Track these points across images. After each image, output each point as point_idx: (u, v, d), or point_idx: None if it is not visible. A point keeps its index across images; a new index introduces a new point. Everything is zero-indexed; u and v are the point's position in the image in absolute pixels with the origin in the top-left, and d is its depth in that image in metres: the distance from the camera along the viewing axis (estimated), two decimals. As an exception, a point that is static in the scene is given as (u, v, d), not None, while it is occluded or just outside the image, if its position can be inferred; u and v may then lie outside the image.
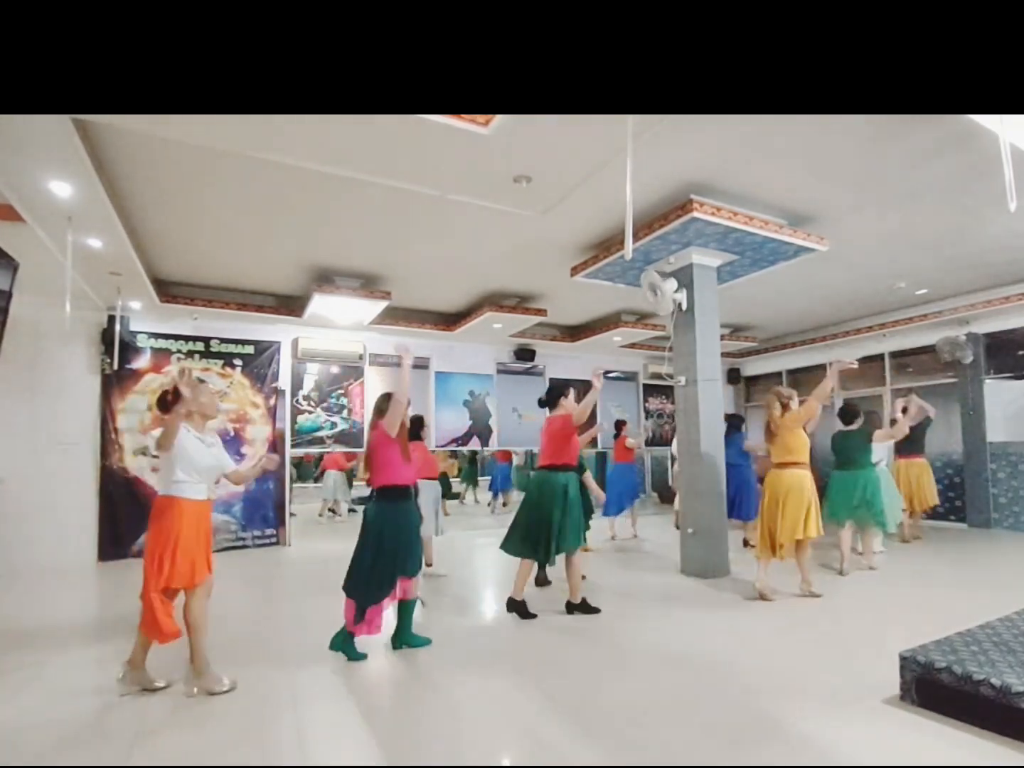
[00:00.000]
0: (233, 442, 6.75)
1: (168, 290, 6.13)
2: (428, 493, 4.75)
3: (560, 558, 3.88)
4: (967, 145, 3.56)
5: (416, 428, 4.98)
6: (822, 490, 4.58)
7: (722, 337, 8.20)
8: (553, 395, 4.18)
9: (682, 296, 5.00)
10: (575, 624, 3.67)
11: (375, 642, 3.39)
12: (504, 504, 10.62)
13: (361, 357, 7.72)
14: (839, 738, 2.15)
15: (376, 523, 3.12)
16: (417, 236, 5.00)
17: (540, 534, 3.77)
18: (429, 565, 5.07)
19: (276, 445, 7.02)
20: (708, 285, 5.12)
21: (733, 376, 10.77)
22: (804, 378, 9.84)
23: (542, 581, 4.69)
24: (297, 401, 7.27)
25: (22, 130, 2.80)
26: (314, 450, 7.76)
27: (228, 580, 5.26)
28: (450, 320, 7.69)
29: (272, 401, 7.05)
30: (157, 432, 2.77)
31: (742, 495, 6.09)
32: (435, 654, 3.18)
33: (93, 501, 6.07)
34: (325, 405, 7.46)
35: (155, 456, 2.85)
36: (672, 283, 4.96)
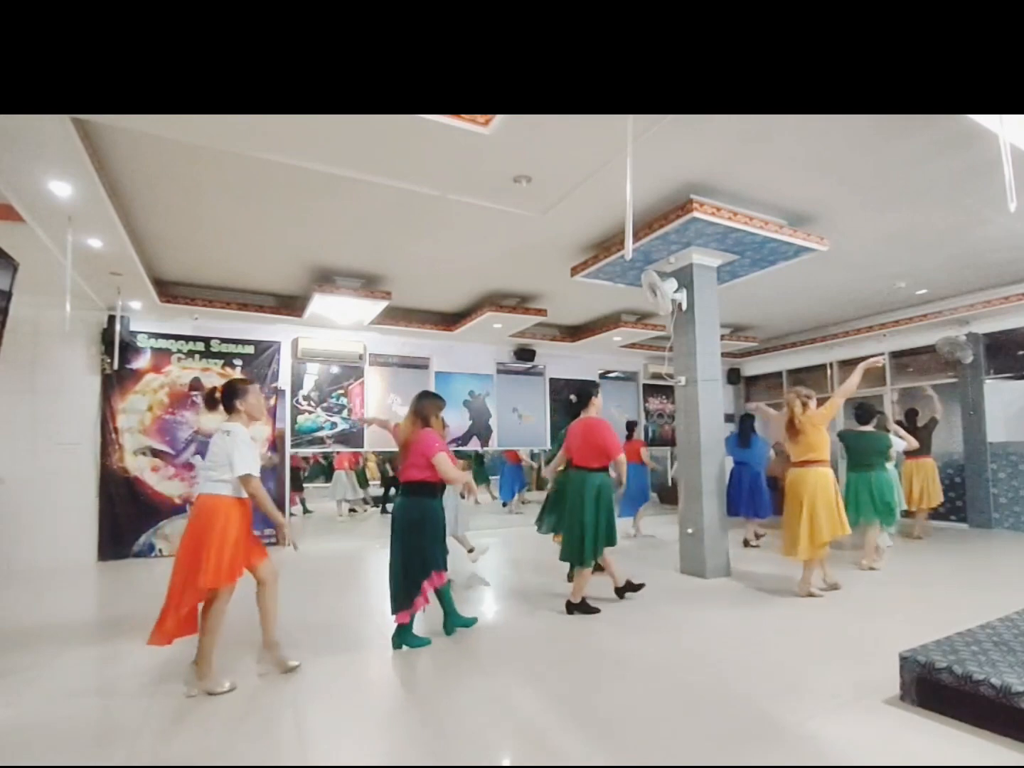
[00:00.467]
0: (233, 442, 6.76)
1: (168, 290, 6.13)
2: (450, 491, 4.81)
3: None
4: (967, 145, 3.56)
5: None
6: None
7: (722, 337, 8.20)
8: (584, 396, 4.18)
9: (682, 296, 5.00)
10: (575, 624, 3.67)
11: (375, 642, 3.39)
12: (522, 503, 10.64)
13: (361, 357, 7.72)
14: (839, 738, 2.15)
15: (408, 516, 3.23)
16: (417, 236, 5.00)
17: (573, 536, 3.85)
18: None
19: (276, 445, 7.02)
20: (708, 285, 5.12)
21: (733, 376, 10.77)
22: (804, 378, 9.84)
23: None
24: (297, 401, 7.27)
25: (22, 130, 2.80)
26: (314, 450, 7.76)
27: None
28: (450, 320, 7.69)
29: (272, 401, 7.05)
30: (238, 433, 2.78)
31: (757, 494, 6.23)
32: (435, 654, 3.18)
33: (93, 501, 6.07)
34: (325, 405, 7.46)
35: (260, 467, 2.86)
36: (672, 283, 4.96)
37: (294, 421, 7.22)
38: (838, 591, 4.30)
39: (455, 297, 7.07)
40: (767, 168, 3.91)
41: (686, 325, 5.05)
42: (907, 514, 6.23)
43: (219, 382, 6.70)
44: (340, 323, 7.05)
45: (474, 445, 8.68)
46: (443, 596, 3.41)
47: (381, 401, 7.88)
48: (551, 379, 9.27)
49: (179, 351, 6.61)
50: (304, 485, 11.02)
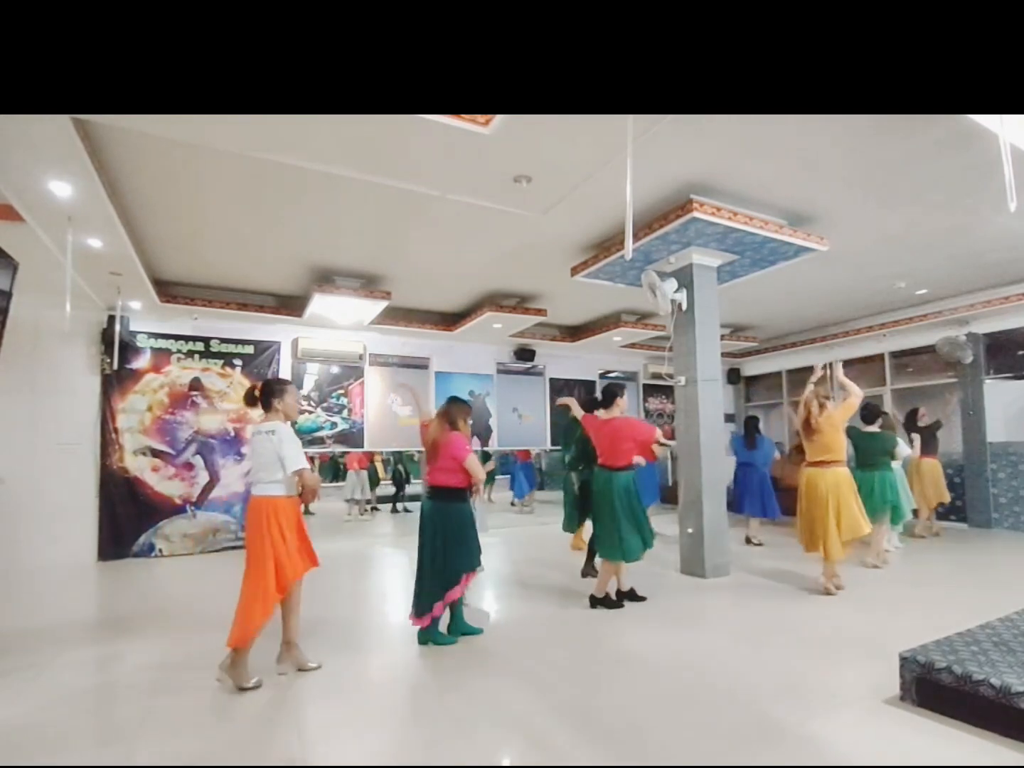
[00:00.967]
0: (233, 442, 6.76)
1: (168, 290, 6.13)
2: None
3: None
4: (967, 145, 3.55)
5: None
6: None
7: (722, 337, 8.20)
8: (608, 395, 4.25)
9: (682, 296, 5.00)
10: (574, 624, 3.67)
11: (374, 641, 3.39)
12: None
13: (361, 357, 7.72)
14: (839, 738, 2.15)
15: (436, 520, 3.32)
16: (417, 236, 5.00)
17: (609, 533, 3.94)
18: None
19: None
20: (708, 285, 5.12)
21: (733, 376, 10.77)
22: (804, 378, 9.82)
23: (592, 574, 4.80)
24: (297, 401, 7.27)
25: (22, 130, 2.80)
26: (314, 450, 7.76)
27: (227, 581, 5.28)
28: (450, 320, 7.69)
29: (272, 401, 7.04)
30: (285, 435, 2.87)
31: (767, 494, 6.37)
32: (435, 654, 3.18)
33: (93, 501, 6.07)
34: (325, 405, 7.46)
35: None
36: (672, 283, 4.96)
37: (294, 421, 7.22)
38: (840, 590, 4.30)
39: (455, 297, 7.06)
40: (767, 168, 3.91)
41: (686, 325, 5.05)
42: (913, 514, 6.26)
43: (219, 382, 6.74)
44: (340, 323, 7.05)
45: (474, 445, 8.68)
46: (454, 601, 3.41)
47: (381, 401, 7.88)
48: (551, 379, 9.27)
49: (179, 351, 6.61)
50: None
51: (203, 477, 6.56)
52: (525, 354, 8.83)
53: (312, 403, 7.41)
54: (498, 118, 2.99)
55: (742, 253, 5.08)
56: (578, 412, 4.61)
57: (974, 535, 6.91)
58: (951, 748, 2.08)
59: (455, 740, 2.21)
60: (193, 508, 6.46)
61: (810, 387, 4.39)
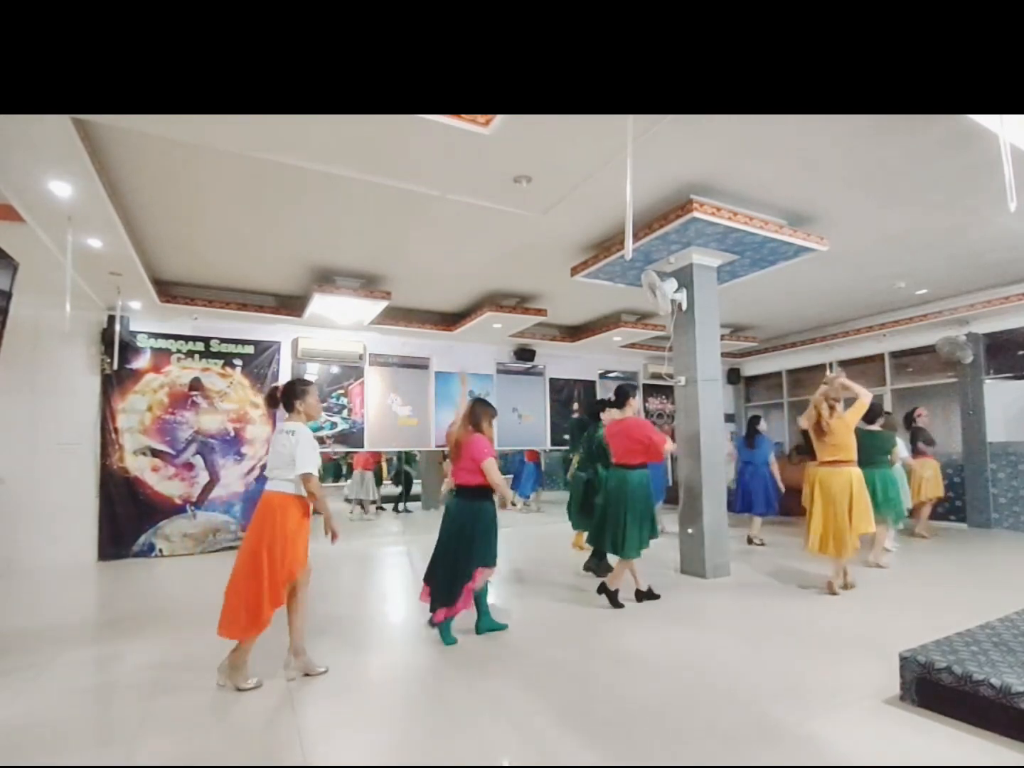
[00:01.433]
0: (233, 442, 6.76)
1: (168, 290, 6.13)
2: None
3: None
4: (967, 145, 3.56)
5: None
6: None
7: (722, 337, 8.20)
8: (621, 396, 4.35)
9: (682, 296, 5.00)
10: (574, 624, 3.67)
11: (375, 641, 3.39)
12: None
13: (361, 357, 7.72)
14: (839, 738, 2.15)
15: (461, 517, 3.39)
16: (417, 236, 5.00)
17: (617, 529, 4.04)
18: None
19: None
20: (708, 285, 5.12)
21: (733, 376, 10.77)
22: (804, 378, 9.85)
23: (593, 569, 4.89)
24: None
25: (22, 130, 2.80)
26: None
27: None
28: (450, 320, 7.69)
29: (272, 401, 7.05)
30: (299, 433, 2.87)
31: (768, 493, 6.48)
32: (434, 654, 3.18)
33: (93, 501, 6.07)
34: (325, 405, 7.46)
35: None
36: (672, 283, 4.96)
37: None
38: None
39: (455, 297, 7.07)
40: (767, 168, 3.91)
41: (686, 325, 5.05)
42: (911, 513, 6.29)
43: (219, 382, 6.75)
44: (340, 323, 7.05)
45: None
46: (479, 597, 3.49)
47: (381, 401, 7.88)
48: (551, 379, 9.28)
49: (179, 351, 6.61)
50: None
51: (203, 477, 6.57)
52: (525, 354, 8.83)
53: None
54: (498, 118, 2.99)
55: (742, 253, 5.08)
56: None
57: (974, 535, 6.91)
58: (951, 748, 2.08)
59: (455, 740, 2.21)
60: (193, 508, 6.46)
61: (822, 388, 4.45)
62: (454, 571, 3.30)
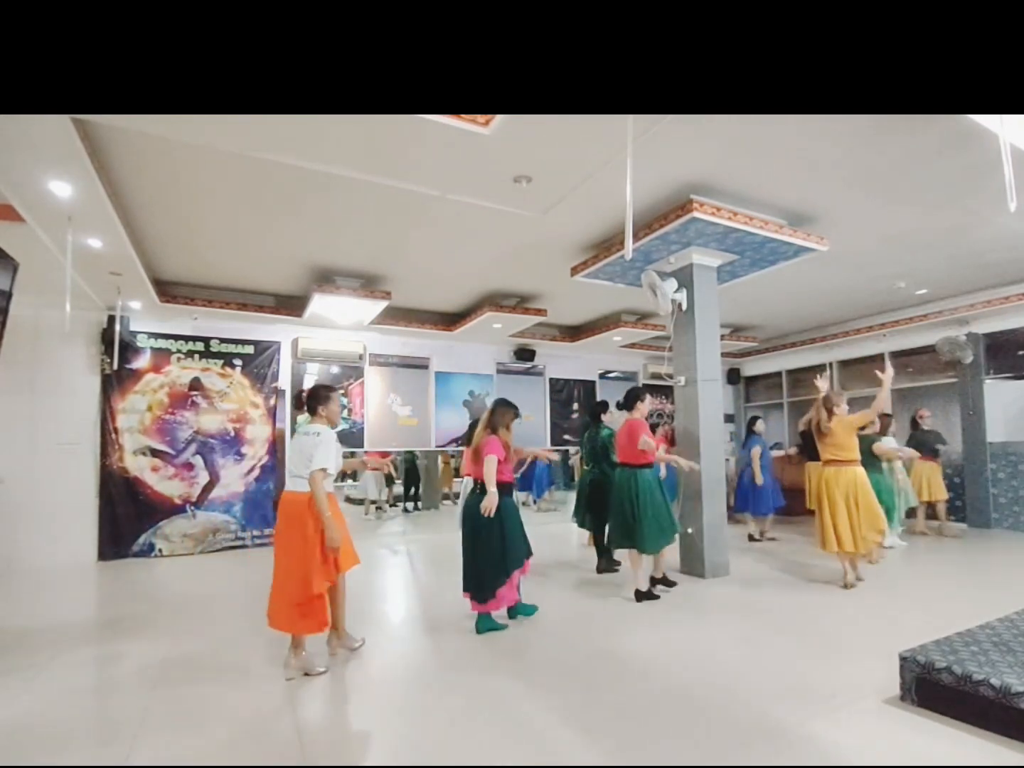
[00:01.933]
0: (233, 442, 6.76)
1: (168, 290, 6.13)
2: None
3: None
4: (967, 145, 3.55)
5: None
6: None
7: (722, 337, 8.20)
8: (629, 399, 4.52)
9: (682, 296, 5.00)
10: (573, 624, 3.67)
11: (371, 641, 3.39)
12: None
13: (361, 357, 7.72)
14: (839, 738, 2.15)
15: (480, 513, 3.46)
16: (417, 236, 5.00)
17: (626, 526, 4.19)
18: None
19: (276, 445, 7.02)
20: (708, 285, 5.12)
21: (733, 376, 10.77)
22: (804, 378, 9.84)
23: (605, 569, 4.94)
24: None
25: (22, 130, 2.80)
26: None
27: (227, 581, 5.27)
28: (450, 320, 7.69)
29: (272, 401, 7.05)
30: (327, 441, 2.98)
31: (769, 492, 6.63)
32: (434, 653, 3.18)
33: (93, 501, 6.07)
34: (325, 405, 7.45)
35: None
36: (672, 283, 4.96)
37: (294, 421, 7.21)
38: (837, 592, 4.32)
39: (455, 297, 7.06)
40: (767, 168, 3.91)
41: (686, 325, 5.05)
42: (911, 512, 6.33)
43: (219, 382, 6.75)
44: (340, 323, 7.05)
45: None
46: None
47: (381, 401, 7.88)
48: (551, 379, 9.28)
49: (179, 351, 6.61)
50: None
51: (203, 477, 6.57)
52: (525, 354, 8.83)
53: (312, 403, 7.41)
54: (498, 118, 2.99)
55: (742, 253, 5.08)
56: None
57: (974, 535, 6.91)
58: (951, 748, 2.08)
59: (455, 739, 2.21)
60: (193, 508, 6.46)
61: (823, 387, 4.65)
62: (491, 564, 3.44)
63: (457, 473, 12.34)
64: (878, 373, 4.43)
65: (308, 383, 7.36)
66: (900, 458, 6.06)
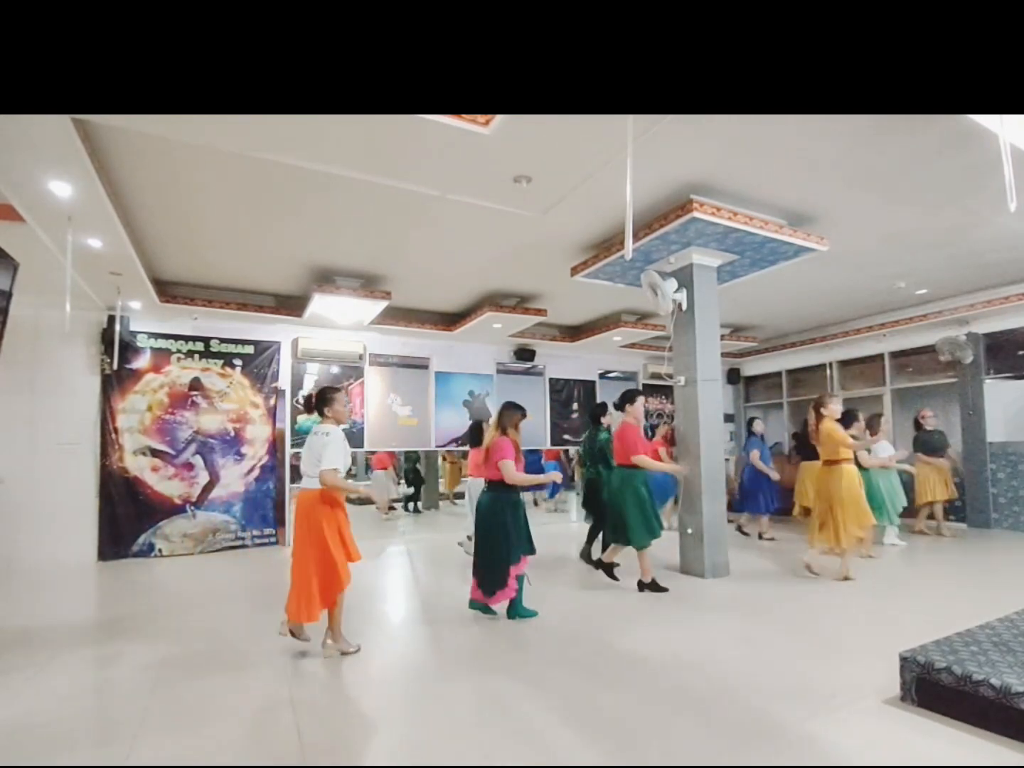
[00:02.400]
0: (233, 442, 6.76)
1: (168, 290, 6.13)
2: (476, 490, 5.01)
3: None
4: (967, 145, 3.55)
5: (478, 434, 5.60)
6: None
7: (722, 337, 8.20)
8: (623, 399, 4.73)
9: (682, 296, 5.00)
10: (573, 623, 3.67)
11: (371, 641, 3.39)
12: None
13: (361, 357, 7.72)
14: (839, 738, 2.15)
15: (494, 507, 3.73)
16: (417, 236, 5.00)
17: (619, 524, 4.43)
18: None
19: (276, 445, 7.02)
20: (708, 285, 5.12)
21: (733, 376, 10.76)
22: (804, 378, 9.84)
23: (600, 565, 4.95)
24: (297, 401, 7.26)
25: (22, 130, 2.80)
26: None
27: (227, 581, 5.27)
28: (450, 320, 7.69)
29: (272, 401, 7.05)
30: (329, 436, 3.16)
31: (765, 491, 6.80)
32: (432, 653, 3.19)
33: (93, 501, 6.07)
34: (325, 405, 7.45)
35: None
36: (672, 283, 4.96)
37: (294, 421, 7.21)
38: (837, 592, 4.32)
39: (455, 297, 7.06)
40: (767, 168, 3.91)
41: (686, 325, 5.05)
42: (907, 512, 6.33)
43: (219, 382, 6.75)
44: (340, 323, 7.05)
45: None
46: (518, 584, 3.73)
47: (381, 401, 7.88)
48: (551, 379, 9.27)
49: (179, 351, 6.61)
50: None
51: (203, 477, 6.57)
52: (525, 354, 8.82)
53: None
54: (498, 118, 2.99)
55: (742, 253, 5.08)
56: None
57: (974, 535, 6.91)
58: (951, 748, 2.08)
59: (455, 739, 2.21)
60: (193, 508, 6.46)
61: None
62: (497, 558, 3.64)
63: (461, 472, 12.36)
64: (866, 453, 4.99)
65: (308, 383, 7.37)
66: (886, 465, 5.96)
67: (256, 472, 6.85)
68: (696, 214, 4.21)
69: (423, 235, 4.98)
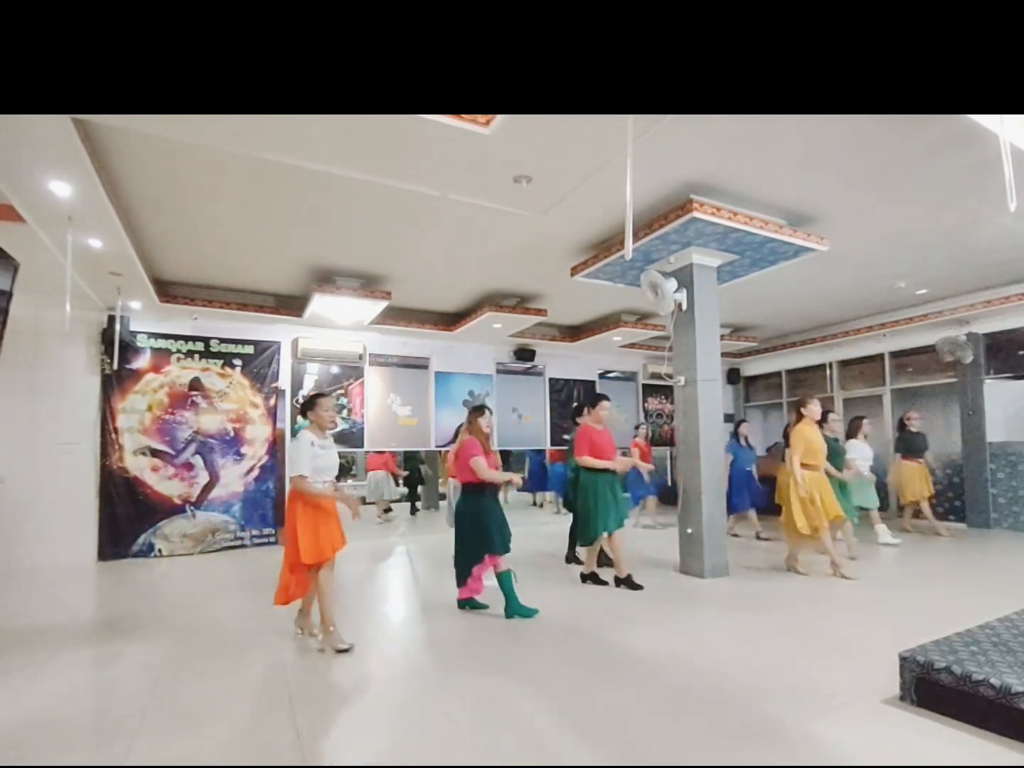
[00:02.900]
0: (232, 442, 6.76)
1: (168, 290, 6.13)
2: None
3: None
4: (967, 145, 3.56)
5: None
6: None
7: (722, 337, 8.20)
8: (582, 406, 5.06)
9: (682, 296, 5.00)
10: (573, 623, 3.67)
11: (370, 641, 3.40)
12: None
13: (361, 357, 7.72)
14: (839, 738, 2.15)
15: (467, 510, 3.86)
16: (417, 236, 5.00)
17: (578, 522, 4.74)
18: None
19: (276, 445, 7.02)
20: (708, 285, 5.12)
21: (733, 376, 10.77)
22: (804, 378, 9.84)
23: (583, 579, 4.94)
24: (297, 401, 7.27)
25: (22, 130, 2.80)
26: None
27: (227, 581, 5.27)
28: (450, 320, 7.69)
29: (272, 401, 7.05)
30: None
31: (744, 490, 6.96)
32: (431, 653, 3.19)
33: (93, 501, 6.07)
34: (325, 405, 7.44)
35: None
36: (672, 283, 4.96)
37: (294, 421, 7.21)
38: (837, 592, 4.33)
39: (455, 297, 7.07)
40: (767, 168, 3.91)
41: (686, 325, 5.05)
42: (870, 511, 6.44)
43: (219, 382, 6.75)
44: (340, 323, 7.05)
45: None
46: (503, 583, 3.81)
47: (381, 401, 7.89)
48: (551, 379, 9.27)
49: (179, 351, 6.61)
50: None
51: (203, 477, 6.57)
52: (525, 354, 8.83)
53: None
54: (498, 118, 2.99)
55: (742, 253, 5.08)
56: None
57: (973, 535, 6.92)
58: (951, 748, 2.08)
59: (454, 739, 2.21)
60: (192, 508, 6.46)
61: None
62: (465, 557, 3.84)
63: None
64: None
65: (308, 383, 7.38)
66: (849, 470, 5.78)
67: (256, 472, 6.86)
68: (696, 214, 4.21)
69: (423, 235, 4.98)
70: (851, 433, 6.28)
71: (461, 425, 5.89)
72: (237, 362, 6.90)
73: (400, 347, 8.00)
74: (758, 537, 6.76)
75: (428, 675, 2.89)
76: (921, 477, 6.81)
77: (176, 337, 6.60)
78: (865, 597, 4.17)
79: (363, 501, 9.98)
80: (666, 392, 10.05)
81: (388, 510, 9.56)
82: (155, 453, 6.35)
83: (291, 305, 6.80)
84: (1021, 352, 7.22)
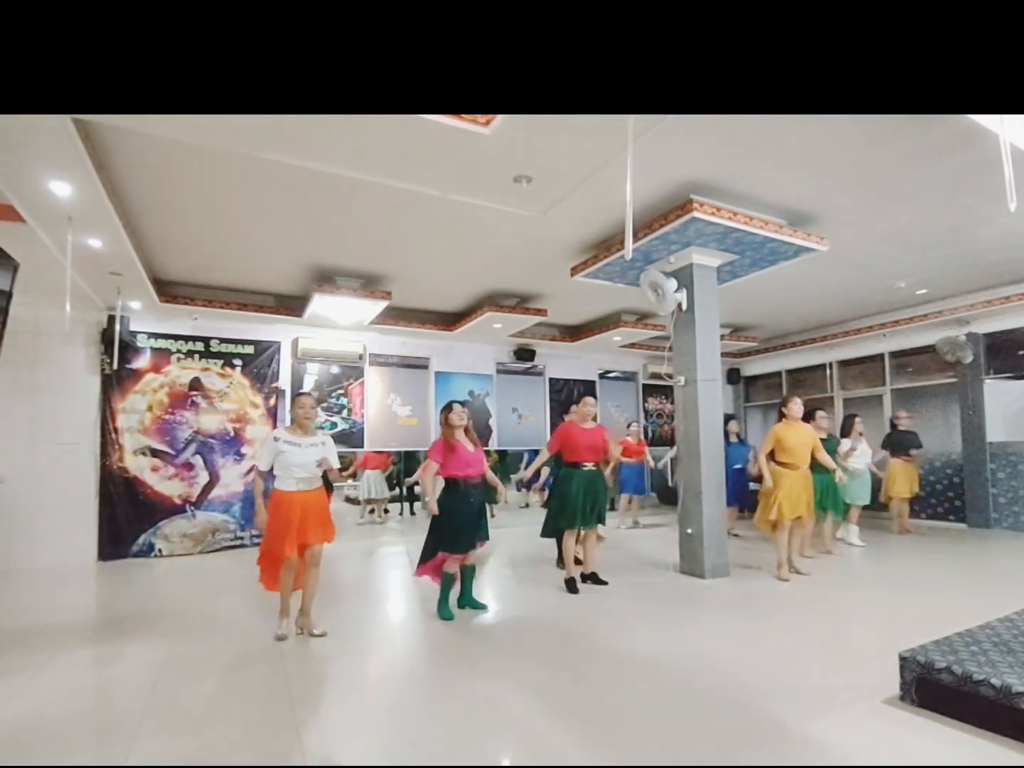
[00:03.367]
0: (232, 442, 6.76)
1: (168, 290, 6.13)
2: None
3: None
4: (967, 145, 3.56)
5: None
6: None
7: (722, 337, 8.20)
8: (567, 406, 5.17)
9: (682, 296, 5.00)
10: (572, 623, 3.67)
11: (370, 640, 3.40)
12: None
13: (361, 357, 7.72)
14: (839, 738, 2.15)
15: (443, 503, 3.91)
16: (417, 236, 5.00)
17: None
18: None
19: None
20: (708, 285, 5.12)
21: (733, 376, 10.77)
22: (804, 378, 9.84)
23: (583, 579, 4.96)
24: (302, 408, 7.22)
25: (22, 130, 2.80)
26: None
27: (227, 581, 5.27)
28: (450, 320, 7.69)
29: (272, 401, 7.05)
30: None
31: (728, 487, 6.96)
32: (429, 654, 3.19)
33: (93, 501, 6.07)
34: (325, 405, 7.46)
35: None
36: (672, 283, 4.96)
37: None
38: (837, 592, 4.33)
39: (455, 297, 7.07)
40: (767, 168, 3.91)
41: (686, 325, 5.05)
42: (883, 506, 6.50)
43: (219, 382, 6.75)
44: (340, 323, 7.05)
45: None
46: (464, 576, 4.01)
47: (381, 401, 7.88)
48: (551, 379, 9.27)
49: (179, 351, 6.60)
50: None
51: (203, 477, 6.56)
52: (525, 354, 8.82)
53: (312, 403, 7.41)
54: (498, 118, 2.99)
55: (742, 253, 5.08)
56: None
57: (973, 535, 6.92)
58: (951, 748, 2.08)
59: (452, 740, 2.21)
60: (192, 508, 6.46)
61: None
62: (431, 544, 3.96)
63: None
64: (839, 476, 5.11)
65: (308, 383, 7.37)
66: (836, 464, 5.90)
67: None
68: (696, 214, 4.21)
69: (423, 235, 4.98)
70: (845, 432, 6.41)
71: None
72: (237, 362, 6.90)
73: (400, 347, 8.00)
74: (729, 533, 6.62)
75: (428, 676, 2.89)
76: (906, 475, 6.86)
77: (176, 337, 6.59)
78: (865, 597, 4.18)
79: (356, 501, 10.00)
80: (666, 392, 10.05)
81: (386, 511, 9.55)
82: (155, 453, 6.35)
83: (291, 305, 6.79)
84: (1021, 352, 7.22)
